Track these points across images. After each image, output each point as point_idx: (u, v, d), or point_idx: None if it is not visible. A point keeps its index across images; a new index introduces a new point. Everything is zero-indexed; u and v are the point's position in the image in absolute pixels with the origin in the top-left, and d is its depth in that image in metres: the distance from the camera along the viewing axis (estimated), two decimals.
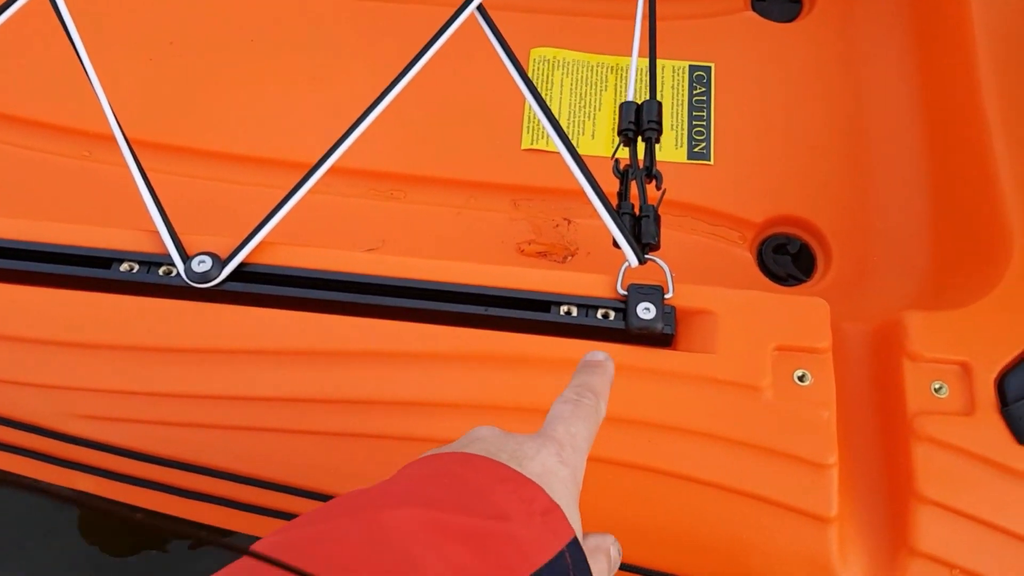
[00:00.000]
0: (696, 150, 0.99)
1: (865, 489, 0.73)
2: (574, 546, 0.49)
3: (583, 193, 0.98)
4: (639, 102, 0.84)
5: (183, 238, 0.75)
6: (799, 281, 0.96)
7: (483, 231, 0.96)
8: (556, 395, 0.70)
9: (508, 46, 0.86)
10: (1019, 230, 0.77)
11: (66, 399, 0.73)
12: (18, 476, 0.78)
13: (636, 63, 0.87)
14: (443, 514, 0.46)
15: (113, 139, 0.98)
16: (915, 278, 0.91)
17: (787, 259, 0.97)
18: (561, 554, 0.48)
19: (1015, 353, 0.72)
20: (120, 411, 0.72)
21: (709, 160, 0.99)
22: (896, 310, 0.79)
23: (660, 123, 0.82)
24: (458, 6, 0.89)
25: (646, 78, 0.95)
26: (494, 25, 0.88)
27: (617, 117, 0.85)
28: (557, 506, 0.50)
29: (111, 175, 0.96)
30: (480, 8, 0.87)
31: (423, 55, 0.83)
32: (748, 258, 0.96)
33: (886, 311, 0.83)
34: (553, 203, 0.98)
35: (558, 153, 1.02)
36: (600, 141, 1.00)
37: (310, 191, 0.82)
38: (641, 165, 0.81)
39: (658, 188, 0.80)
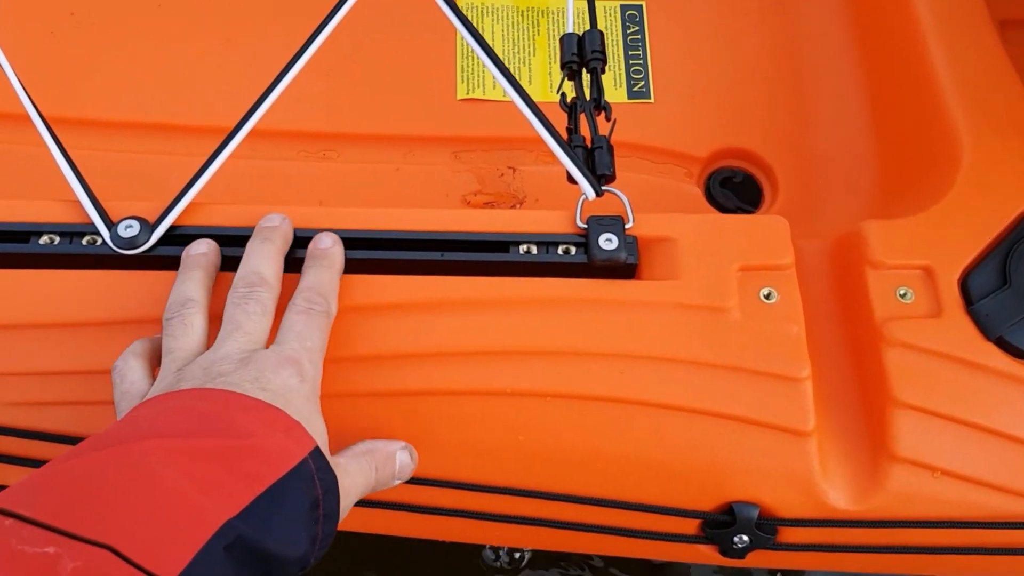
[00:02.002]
0: (636, 89, 0.97)
1: (840, 400, 0.72)
2: (316, 454, 0.55)
3: (526, 140, 0.96)
4: (579, 33, 0.81)
5: (106, 205, 0.70)
6: (746, 212, 0.95)
7: (425, 186, 0.92)
8: (519, 336, 0.68)
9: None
10: (966, 130, 0.77)
11: (2, 386, 0.66)
12: None
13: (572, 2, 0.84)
14: (190, 440, 0.51)
15: (16, 117, 0.91)
16: (864, 195, 0.91)
17: (735, 192, 0.96)
18: (304, 461, 0.54)
19: (975, 252, 0.72)
20: (53, 394, 0.66)
21: (649, 98, 0.97)
22: (846, 228, 0.78)
23: (604, 53, 0.79)
24: None
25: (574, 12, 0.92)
26: None
27: (558, 50, 0.83)
28: (298, 423, 0.55)
29: (19, 155, 0.89)
30: None
31: (341, 6, 0.79)
32: (696, 193, 0.95)
33: (839, 229, 0.82)
34: (495, 152, 0.95)
35: (496, 102, 1.01)
36: (537, 86, 0.98)
37: (240, 156, 0.77)
38: (588, 97, 0.78)
39: (608, 119, 0.77)
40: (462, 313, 0.69)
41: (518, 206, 0.91)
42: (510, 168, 0.93)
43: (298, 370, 0.58)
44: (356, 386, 0.68)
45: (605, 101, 0.78)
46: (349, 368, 0.67)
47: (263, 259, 0.64)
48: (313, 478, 0.54)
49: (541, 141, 0.74)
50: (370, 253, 0.71)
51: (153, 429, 0.52)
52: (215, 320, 0.63)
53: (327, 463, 0.56)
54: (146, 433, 0.51)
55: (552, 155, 0.74)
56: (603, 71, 0.79)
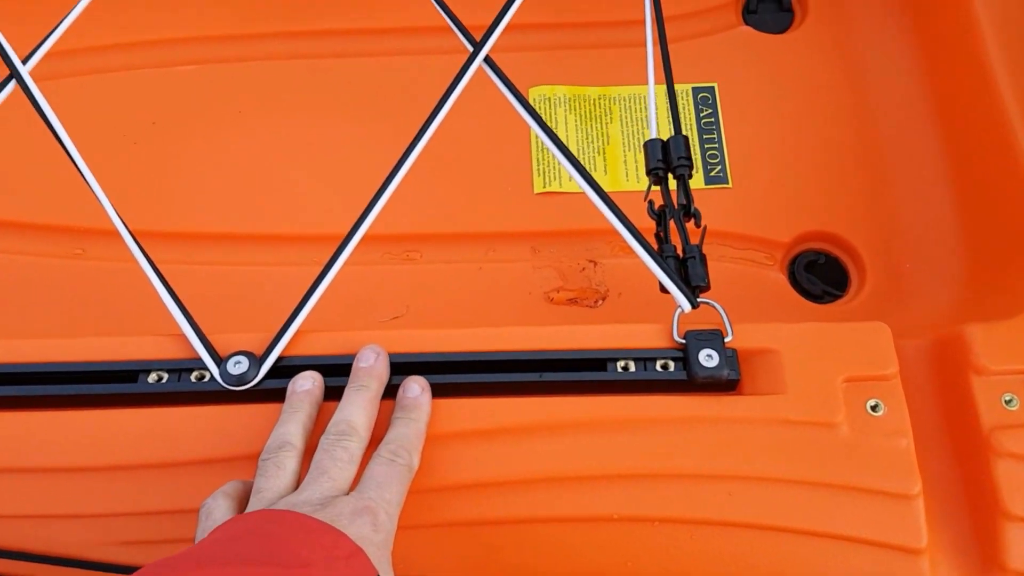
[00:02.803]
0: (712, 174, 0.97)
1: (950, 513, 0.70)
2: None
3: (605, 232, 0.96)
4: (663, 138, 0.81)
5: (211, 337, 0.71)
6: (835, 297, 0.94)
7: (507, 284, 0.93)
8: (623, 459, 0.67)
9: (517, 91, 0.83)
10: None
11: (106, 527, 0.67)
12: None
13: (654, 97, 0.84)
14: (245, 568, 0.50)
15: (106, 233, 0.93)
16: (952, 282, 0.89)
17: (820, 276, 0.95)
18: None
19: None
20: (168, 533, 0.67)
21: (727, 183, 0.97)
22: (940, 317, 0.77)
23: (690, 158, 0.79)
24: (447, 54, 0.86)
25: (643, 105, 0.92)
26: (502, 73, 0.84)
27: (632, 138, 0.83)
28: (361, 550, 0.54)
29: (109, 272, 0.91)
30: (487, 58, 0.84)
31: (437, 113, 0.80)
32: (781, 279, 0.94)
33: (930, 319, 0.81)
34: (575, 245, 0.95)
35: (573, 194, 1.01)
36: (613, 176, 0.98)
37: (317, 264, 0.79)
38: (676, 203, 0.78)
39: (697, 226, 0.77)
40: (562, 436, 0.68)
41: (601, 302, 0.91)
42: (591, 262, 0.93)
43: (373, 519, 0.59)
44: (457, 515, 0.68)
45: (695, 208, 0.77)
46: (450, 497, 0.67)
47: (356, 408, 0.66)
48: None
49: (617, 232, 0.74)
50: (466, 377, 0.71)
51: (213, 553, 0.53)
52: (310, 454, 0.65)
53: None
54: (204, 560, 0.52)
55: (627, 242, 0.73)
56: (690, 176, 0.79)
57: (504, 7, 0.87)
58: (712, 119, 1.00)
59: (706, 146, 0.99)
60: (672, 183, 0.80)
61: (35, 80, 0.80)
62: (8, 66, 0.81)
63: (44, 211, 0.94)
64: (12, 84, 0.81)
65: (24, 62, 0.82)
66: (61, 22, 0.84)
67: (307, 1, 1.04)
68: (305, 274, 0.82)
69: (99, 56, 1.00)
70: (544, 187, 0.97)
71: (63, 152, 0.79)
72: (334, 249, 0.79)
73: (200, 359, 0.70)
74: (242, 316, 0.87)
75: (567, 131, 1.00)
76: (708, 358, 0.70)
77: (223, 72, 1.02)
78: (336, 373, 0.71)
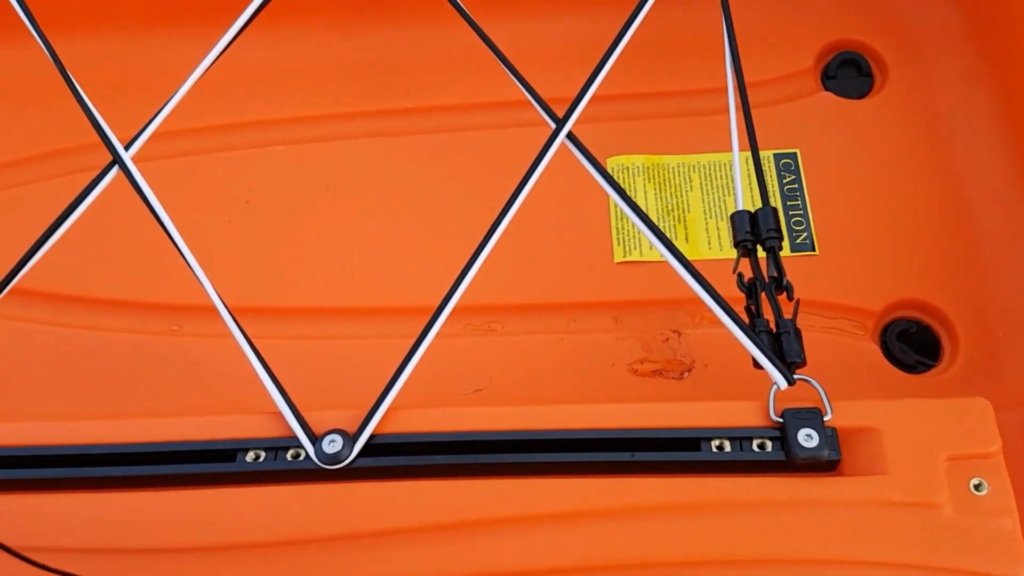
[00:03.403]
0: (798, 241, 0.96)
1: None
2: None
3: (688, 302, 0.94)
4: (748, 207, 0.81)
5: (306, 415, 0.72)
6: (927, 367, 0.92)
7: (591, 355, 0.92)
8: (723, 543, 0.65)
9: (599, 164, 0.83)
10: None
11: None
12: None
13: (739, 168, 0.84)
14: None
15: (201, 309, 0.96)
16: None
17: (912, 345, 0.92)
18: None
19: None
20: None
21: (814, 250, 0.95)
22: None
23: (780, 229, 0.78)
24: (526, 126, 0.88)
25: (723, 173, 0.92)
26: (584, 147, 0.85)
27: (713, 206, 0.83)
28: None
29: (205, 348, 0.94)
30: (570, 134, 0.85)
31: (522, 188, 0.81)
32: (873, 349, 0.91)
33: None
34: (657, 315, 0.94)
35: (654, 263, 1.01)
36: (694, 244, 0.97)
37: (408, 336, 0.79)
38: (766, 275, 0.77)
39: (790, 299, 0.76)
40: (658, 518, 0.67)
41: (687, 373, 0.90)
42: (675, 332, 0.92)
43: None
44: None
45: (787, 281, 0.76)
46: None
47: None
48: None
49: (703, 302, 0.73)
50: (556, 456, 0.70)
51: None
52: None
53: None
54: None
55: (717, 318, 0.72)
56: (780, 249, 0.78)
57: (585, 85, 0.88)
58: (796, 185, 0.99)
59: (791, 213, 0.98)
60: (760, 253, 0.80)
61: (135, 162, 0.83)
62: (112, 153, 0.85)
63: (142, 289, 0.98)
64: (115, 170, 0.85)
65: (127, 148, 0.86)
66: (161, 110, 0.88)
67: (391, 81, 1.08)
68: (392, 347, 0.83)
69: (194, 138, 1.05)
70: (624, 256, 0.97)
71: (160, 231, 0.82)
72: (420, 321, 0.80)
73: (296, 437, 0.71)
74: (331, 389, 0.88)
75: (646, 200, 1.00)
76: (808, 438, 0.68)
77: (313, 151, 1.05)
78: (427, 451, 0.71)
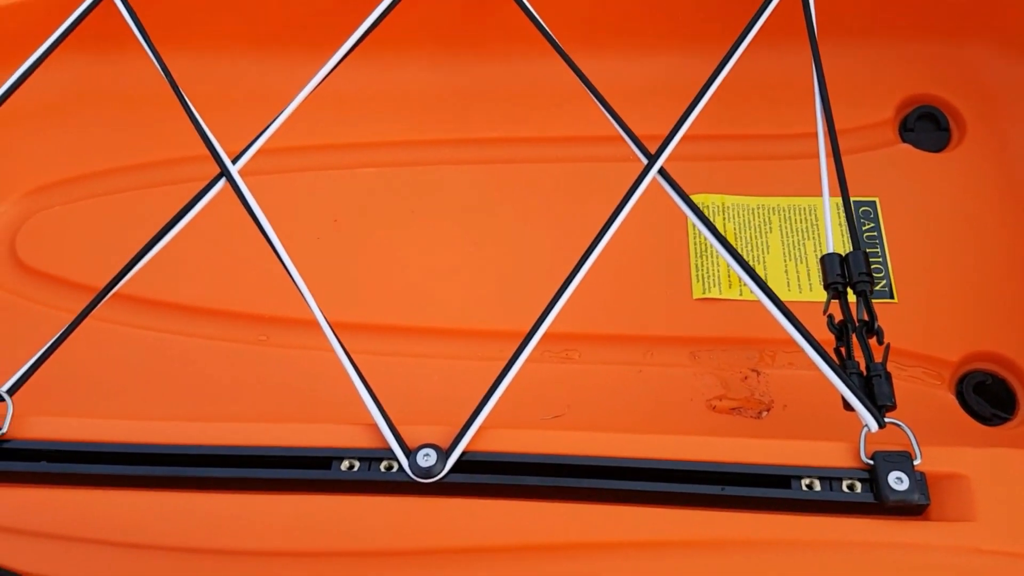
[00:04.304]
0: (877, 288, 0.97)
1: None
2: None
3: (767, 341, 0.96)
4: (841, 253, 0.82)
5: (400, 429, 0.74)
6: (1003, 420, 0.92)
7: (668, 389, 0.93)
8: None
9: (691, 200, 0.85)
10: None
11: None
12: None
13: (829, 212, 0.86)
14: None
15: (287, 320, 0.98)
16: None
17: (987, 397, 0.92)
18: None
19: None
20: None
21: (892, 298, 0.96)
22: None
23: (871, 274, 0.80)
24: (615, 161, 0.89)
25: (802, 216, 0.94)
26: (675, 183, 0.87)
27: (793, 249, 0.84)
28: None
29: (291, 359, 0.96)
30: (661, 170, 0.87)
31: (614, 219, 0.83)
32: (949, 399, 0.92)
33: None
34: (735, 353, 0.95)
35: (734, 300, 1.02)
36: (774, 285, 0.98)
37: (489, 358, 0.81)
38: (855, 319, 0.78)
39: (880, 343, 0.77)
40: (747, 554, 0.68)
41: (766, 413, 0.90)
42: (753, 371, 0.93)
43: None
44: None
45: (878, 325, 0.77)
46: None
47: None
48: None
49: (782, 343, 0.75)
50: (642, 485, 0.71)
51: None
52: None
53: None
54: None
55: (797, 359, 0.74)
56: (871, 293, 0.79)
57: (678, 122, 0.90)
58: (875, 233, 1.01)
59: (870, 260, 0.99)
60: (850, 298, 0.81)
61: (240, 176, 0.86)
62: (220, 166, 0.88)
63: (231, 299, 1.00)
64: (222, 183, 0.88)
65: (233, 162, 0.89)
66: (268, 127, 0.91)
67: (480, 110, 1.11)
68: (474, 368, 0.85)
69: (288, 156, 1.08)
70: (704, 293, 0.98)
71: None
72: (501, 345, 0.82)
73: (390, 449, 0.72)
74: (416, 406, 0.89)
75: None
76: (898, 481, 0.69)
77: (401, 175, 1.08)
78: (518, 471, 0.72)
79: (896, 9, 1.09)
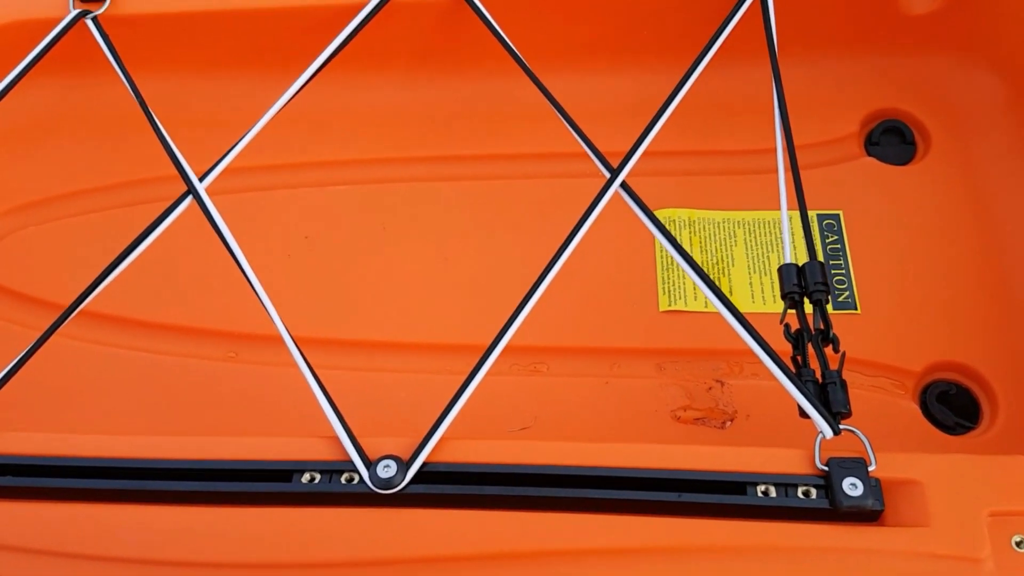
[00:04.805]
0: (841, 300, 0.98)
1: None
2: None
3: (731, 353, 0.97)
4: (798, 263, 0.83)
5: (361, 440, 0.74)
6: (967, 429, 0.92)
7: (634, 400, 0.94)
8: None
9: (653, 214, 0.86)
10: None
11: None
12: None
13: (787, 223, 0.87)
14: None
15: (257, 337, 0.99)
16: None
17: (951, 406, 0.93)
18: None
19: None
20: None
21: (855, 309, 0.97)
22: None
23: (827, 283, 0.81)
24: (578, 177, 0.91)
25: (767, 229, 0.95)
26: (638, 197, 0.89)
27: (757, 262, 0.85)
28: None
29: (260, 375, 0.97)
30: (623, 184, 0.89)
31: (576, 233, 0.84)
32: (912, 408, 0.93)
33: None
34: (700, 364, 0.96)
35: (699, 313, 1.03)
36: (738, 298, 0.99)
37: (455, 372, 0.82)
38: (812, 328, 0.79)
39: (836, 351, 0.78)
40: (702, 560, 0.68)
41: (729, 423, 0.91)
42: (718, 382, 0.94)
43: None
44: None
45: (833, 333, 0.78)
46: None
47: None
48: None
49: (747, 354, 0.75)
50: (601, 492, 0.72)
51: None
52: None
53: None
54: None
55: (760, 369, 0.74)
56: (827, 302, 0.81)
57: (640, 137, 0.92)
58: (838, 245, 1.02)
59: (833, 272, 1.00)
60: (807, 307, 0.82)
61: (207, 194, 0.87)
62: (187, 184, 0.89)
63: (200, 316, 1.01)
64: (188, 200, 0.89)
65: (201, 180, 0.90)
66: (235, 146, 0.93)
67: (450, 128, 1.12)
68: (442, 382, 0.85)
69: (258, 175, 1.09)
70: (669, 305, 0.99)
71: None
72: (469, 358, 0.83)
73: (351, 461, 0.73)
74: (383, 420, 0.90)
75: (691, 253, 1.02)
76: (852, 487, 0.69)
77: (372, 192, 1.09)
78: (478, 481, 0.73)
79: (861, 24, 1.11)
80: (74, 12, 1.04)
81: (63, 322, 0.84)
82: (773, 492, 0.71)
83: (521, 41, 1.01)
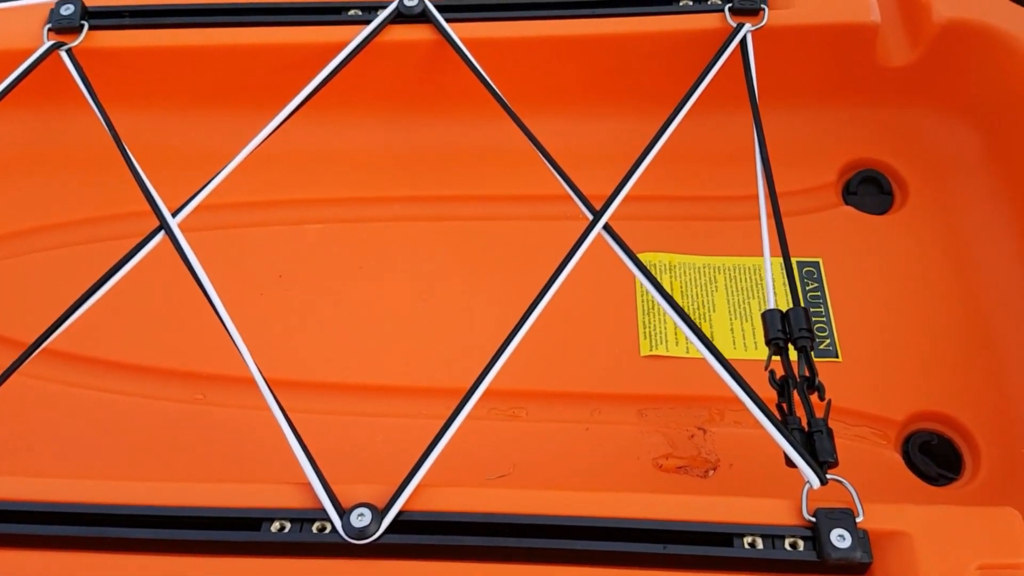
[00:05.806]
0: (822, 347, 0.97)
1: None
2: None
3: (714, 399, 0.95)
4: (782, 309, 0.82)
5: (335, 488, 0.71)
6: (949, 480, 0.91)
7: (615, 447, 0.92)
8: None
9: (636, 257, 0.86)
10: None
11: None
12: None
13: (770, 269, 0.86)
14: None
15: (225, 379, 0.96)
16: None
17: (934, 457, 0.92)
18: None
19: None
20: None
21: (837, 357, 0.97)
22: None
23: (812, 330, 0.80)
24: (561, 219, 0.90)
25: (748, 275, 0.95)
26: (621, 240, 0.88)
27: (739, 307, 0.85)
28: None
29: (228, 418, 0.93)
30: (606, 226, 0.88)
31: (558, 275, 0.83)
32: (895, 458, 0.91)
33: None
34: (682, 411, 0.94)
35: (681, 358, 1.02)
36: (721, 343, 0.98)
37: (433, 416, 0.80)
38: (797, 375, 0.78)
39: (822, 399, 0.76)
40: None
41: (712, 472, 0.89)
42: (700, 429, 0.92)
43: None
44: None
45: (819, 380, 0.77)
46: None
47: None
48: None
49: (729, 400, 0.74)
50: (584, 544, 0.69)
51: None
52: None
53: None
54: None
55: (744, 417, 0.73)
56: (812, 348, 0.80)
57: (623, 180, 0.91)
58: (818, 293, 1.01)
59: (814, 319, 0.99)
60: (792, 354, 0.81)
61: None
62: (159, 219, 0.87)
63: (166, 356, 0.98)
64: (159, 237, 0.87)
65: (173, 215, 0.88)
66: (209, 183, 0.91)
67: (430, 169, 1.11)
68: (420, 427, 0.83)
69: (231, 212, 1.07)
70: (651, 350, 0.98)
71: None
72: (447, 402, 0.81)
73: (323, 510, 0.70)
74: (357, 466, 0.87)
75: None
76: (840, 538, 0.68)
77: (348, 231, 1.07)
78: (456, 531, 0.70)
79: (840, 76, 1.12)
80: (48, 44, 1.03)
81: (24, 361, 0.81)
82: (760, 544, 0.69)
83: (505, 83, 1.00)
